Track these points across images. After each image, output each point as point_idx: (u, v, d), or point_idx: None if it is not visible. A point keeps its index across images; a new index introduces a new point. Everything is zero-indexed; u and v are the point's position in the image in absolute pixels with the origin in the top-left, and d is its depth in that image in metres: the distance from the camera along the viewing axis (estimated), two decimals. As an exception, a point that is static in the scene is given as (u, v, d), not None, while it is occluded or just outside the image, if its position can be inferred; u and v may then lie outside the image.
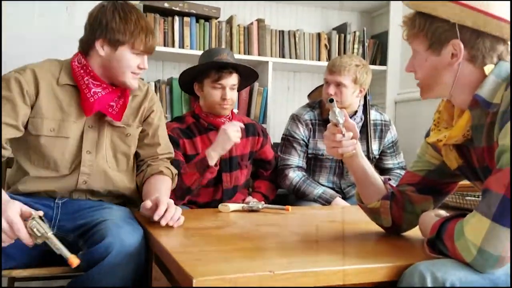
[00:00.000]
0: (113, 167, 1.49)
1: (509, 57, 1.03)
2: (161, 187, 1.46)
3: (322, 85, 2.34)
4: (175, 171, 1.58)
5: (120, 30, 1.38)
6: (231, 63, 1.88)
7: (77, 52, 1.46)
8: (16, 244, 1.11)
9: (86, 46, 1.43)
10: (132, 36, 1.39)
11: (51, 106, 1.40)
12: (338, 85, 2.04)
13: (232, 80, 1.89)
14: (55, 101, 1.40)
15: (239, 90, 2.02)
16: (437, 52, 1.04)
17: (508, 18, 0.98)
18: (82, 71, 1.42)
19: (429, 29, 1.04)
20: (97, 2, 1.44)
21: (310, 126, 2.14)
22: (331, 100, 1.13)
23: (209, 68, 1.86)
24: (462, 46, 1.00)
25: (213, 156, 1.73)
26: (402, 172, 2.21)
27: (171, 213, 1.24)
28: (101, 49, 1.40)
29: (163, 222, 1.23)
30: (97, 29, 1.38)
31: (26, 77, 1.36)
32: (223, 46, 2.55)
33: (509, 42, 1.03)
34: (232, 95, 1.89)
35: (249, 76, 2.01)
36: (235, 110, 2.54)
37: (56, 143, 1.41)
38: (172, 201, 1.29)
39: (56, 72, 1.43)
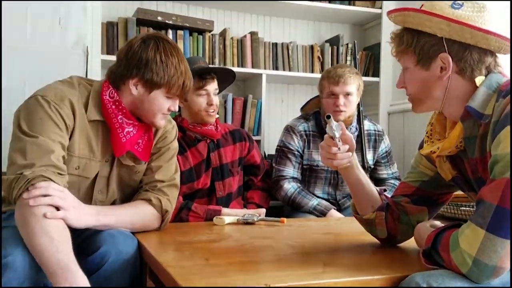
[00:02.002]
0: (120, 198, 1.45)
1: (499, 68, 1.04)
2: (133, 209, 1.34)
3: (314, 98, 2.35)
4: (167, 208, 1.41)
5: (159, 73, 1.30)
6: (213, 68, 1.95)
7: (106, 81, 1.35)
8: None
9: (118, 80, 1.33)
10: (170, 81, 1.31)
11: (82, 142, 1.31)
12: (347, 95, 2.06)
13: (215, 84, 1.93)
14: (85, 137, 1.31)
15: (218, 93, 2.05)
16: (426, 67, 1.05)
17: (494, 30, 0.99)
18: (114, 107, 1.32)
19: (417, 45, 1.05)
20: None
21: (305, 137, 2.15)
22: (328, 117, 1.15)
23: (192, 76, 1.88)
24: (450, 59, 1.02)
25: (226, 213, 1.77)
26: (397, 182, 2.23)
27: (39, 192, 1.10)
28: (134, 88, 1.32)
29: (24, 196, 1.10)
30: (135, 66, 1.30)
31: (66, 110, 1.25)
32: (217, 59, 2.56)
33: (497, 54, 1.04)
34: (216, 100, 1.92)
35: (226, 78, 2.06)
36: (226, 122, 2.56)
37: (75, 182, 1.32)
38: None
39: (83, 101, 1.31)
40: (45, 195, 1.11)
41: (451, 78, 1.03)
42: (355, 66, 2.51)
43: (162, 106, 1.35)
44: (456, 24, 0.99)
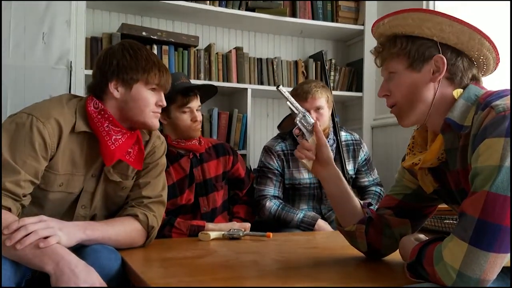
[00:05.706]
0: (103, 214, 1.44)
1: (478, 81, 1.08)
2: (119, 225, 1.32)
3: (290, 115, 2.36)
4: (153, 225, 1.41)
5: (132, 67, 1.34)
6: (196, 86, 1.96)
7: (90, 96, 1.38)
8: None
9: (99, 91, 1.37)
10: (145, 72, 1.34)
11: (66, 159, 1.31)
12: (318, 109, 2.09)
13: (197, 101, 1.95)
14: (69, 153, 1.32)
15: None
16: (418, 69, 1.06)
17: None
18: (99, 116, 1.34)
19: (412, 47, 1.06)
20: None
21: (283, 157, 2.16)
22: (278, 86, 1.23)
23: (176, 93, 1.87)
24: (445, 60, 1.04)
25: (210, 228, 1.76)
26: (378, 189, 2.27)
27: (20, 234, 1.10)
28: (115, 91, 1.35)
29: (7, 243, 1.10)
30: (108, 71, 1.34)
31: (49, 129, 1.25)
32: (202, 74, 2.57)
33: (480, 67, 1.08)
34: (200, 115, 1.94)
35: (208, 94, 2.08)
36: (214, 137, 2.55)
37: (59, 198, 1.33)
38: (34, 221, 1.14)
39: (72, 118, 1.32)
40: (27, 234, 1.10)
41: (440, 83, 1.05)
42: (326, 81, 2.55)
43: (148, 101, 1.37)
44: (458, 24, 1.00)
